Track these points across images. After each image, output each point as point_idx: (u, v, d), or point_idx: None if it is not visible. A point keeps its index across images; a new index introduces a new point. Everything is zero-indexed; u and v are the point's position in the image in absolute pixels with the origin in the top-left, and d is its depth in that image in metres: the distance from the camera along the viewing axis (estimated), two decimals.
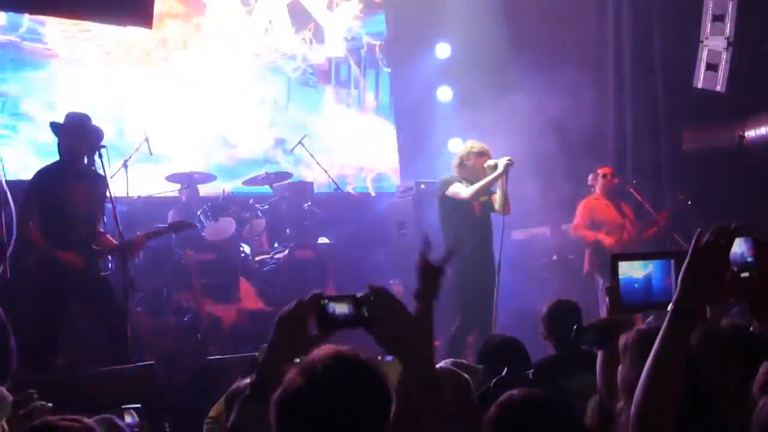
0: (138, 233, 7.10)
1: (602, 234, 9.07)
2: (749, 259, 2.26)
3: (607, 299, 3.08)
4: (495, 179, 7.53)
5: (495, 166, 7.57)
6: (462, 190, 7.62)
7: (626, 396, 2.75)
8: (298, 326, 2.26)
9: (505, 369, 3.89)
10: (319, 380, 1.99)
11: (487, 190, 7.63)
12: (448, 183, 7.77)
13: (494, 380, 3.80)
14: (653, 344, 2.72)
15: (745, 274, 2.25)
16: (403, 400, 2.34)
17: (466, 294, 7.57)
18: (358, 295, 2.29)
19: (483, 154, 7.78)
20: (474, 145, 7.90)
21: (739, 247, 2.26)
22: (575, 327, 3.21)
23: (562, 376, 4.25)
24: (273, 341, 2.27)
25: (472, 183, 7.70)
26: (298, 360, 2.94)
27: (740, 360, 2.99)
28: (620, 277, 2.83)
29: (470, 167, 7.80)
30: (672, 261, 2.82)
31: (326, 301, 2.29)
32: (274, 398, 2.04)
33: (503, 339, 4.91)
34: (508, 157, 7.54)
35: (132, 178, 8.48)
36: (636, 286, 2.83)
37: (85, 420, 2.53)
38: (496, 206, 7.72)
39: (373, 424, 2.03)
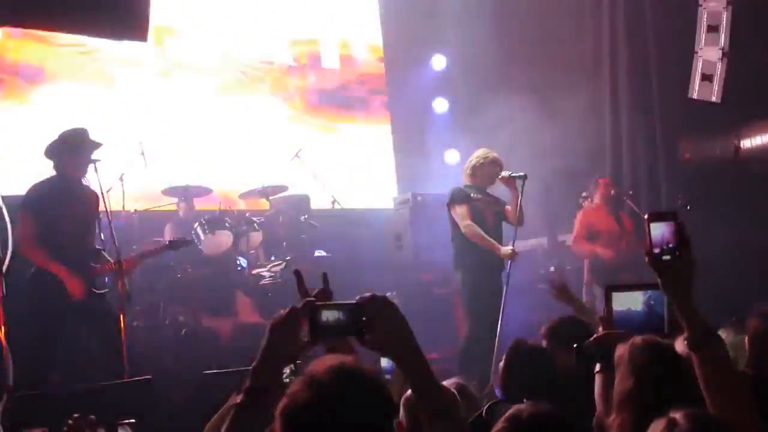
0: (134, 252, 7.10)
1: (600, 247, 9.09)
2: (670, 245, 2.35)
3: (600, 328, 3.10)
4: (496, 248, 7.54)
5: (509, 178, 7.60)
6: (464, 220, 7.64)
7: (619, 409, 2.75)
8: (290, 333, 2.26)
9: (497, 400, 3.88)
10: (325, 393, 1.99)
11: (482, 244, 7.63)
12: (456, 199, 7.76)
13: (486, 406, 3.80)
14: (646, 357, 2.75)
15: (667, 257, 2.35)
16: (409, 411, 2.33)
17: (475, 303, 7.59)
18: (351, 302, 2.28)
19: (496, 164, 7.83)
20: (487, 154, 7.92)
21: (660, 230, 2.36)
22: (575, 345, 3.22)
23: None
24: (265, 348, 2.28)
25: (482, 192, 7.81)
26: (289, 369, 2.96)
27: None
28: (617, 310, 2.88)
29: (482, 176, 7.85)
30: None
31: (319, 308, 2.29)
32: (279, 410, 2.04)
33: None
34: (522, 172, 7.57)
35: (128, 191, 8.50)
36: (633, 316, 2.87)
37: None
38: (510, 217, 7.75)
39: None
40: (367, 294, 2.28)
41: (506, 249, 7.53)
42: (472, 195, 7.77)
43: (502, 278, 7.53)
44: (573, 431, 2.56)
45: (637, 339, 2.85)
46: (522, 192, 7.56)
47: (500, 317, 7.25)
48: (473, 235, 7.60)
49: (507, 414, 2.56)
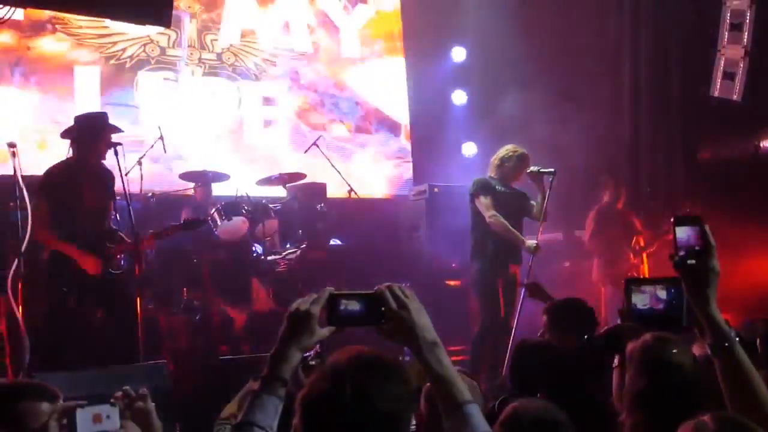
0: (150, 231, 7.11)
1: (611, 251, 9.08)
2: (696, 248, 2.34)
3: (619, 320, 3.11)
4: (521, 241, 7.57)
5: (537, 173, 7.62)
6: (489, 211, 7.64)
7: (631, 409, 2.76)
8: (308, 321, 2.27)
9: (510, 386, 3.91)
10: (344, 383, 2.02)
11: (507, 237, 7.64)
12: (480, 189, 7.77)
13: (499, 400, 3.83)
14: (656, 356, 2.75)
15: (692, 261, 2.34)
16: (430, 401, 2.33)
17: (491, 294, 7.60)
18: (369, 292, 2.29)
19: (523, 160, 7.83)
20: (516, 149, 7.92)
21: (685, 233, 2.36)
22: (586, 336, 3.24)
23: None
24: (283, 334, 2.30)
25: (506, 186, 7.82)
26: (315, 353, 2.98)
27: None
28: (637, 303, 2.88)
29: (508, 170, 7.85)
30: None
31: (337, 297, 2.30)
32: (299, 400, 2.07)
33: (539, 341, 4.83)
34: (552, 168, 7.60)
35: (146, 175, 8.54)
36: (653, 310, 2.87)
37: None
38: (534, 213, 7.80)
39: (399, 426, 2.07)
40: (386, 284, 2.29)
41: (531, 242, 7.53)
42: (496, 187, 7.77)
43: (518, 271, 7.55)
44: (570, 428, 2.58)
45: (648, 336, 2.85)
46: (551, 188, 7.56)
47: (517, 310, 7.26)
48: (498, 225, 7.60)
49: (504, 415, 2.58)
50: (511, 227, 7.62)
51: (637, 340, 2.86)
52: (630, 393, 2.78)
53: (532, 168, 7.70)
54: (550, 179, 7.58)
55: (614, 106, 11.07)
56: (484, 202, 7.70)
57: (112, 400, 2.58)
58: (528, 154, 7.90)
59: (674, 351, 2.79)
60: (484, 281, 7.70)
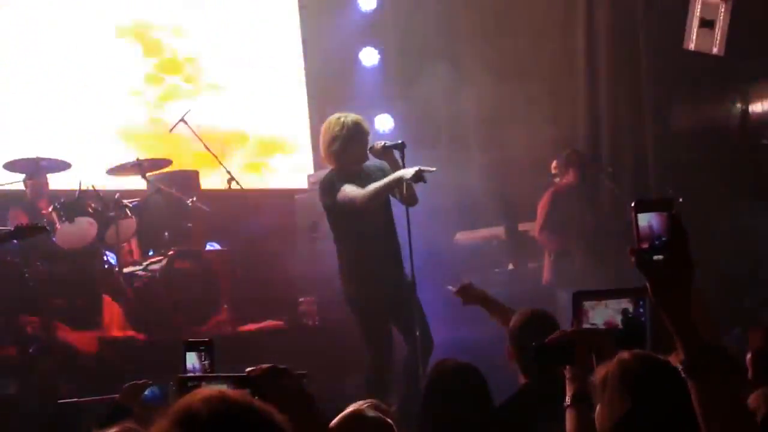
0: None
1: (571, 240, 9.09)
2: (664, 239, 2.29)
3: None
4: (396, 182, 7.08)
5: (383, 149, 7.23)
6: (356, 195, 7.15)
7: None
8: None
9: None
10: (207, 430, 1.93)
11: (388, 192, 7.22)
12: (333, 185, 7.30)
13: None
14: (639, 378, 2.79)
15: (659, 257, 2.28)
16: None
17: (376, 323, 7.40)
18: (239, 375, 2.28)
19: (360, 130, 7.38)
20: (343, 120, 7.36)
21: (649, 222, 2.30)
22: (533, 345, 3.22)
23: (541, 416, 4.18)
24: None
25: (358, 176, 7.34)
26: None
27: None
28: (589, 321, 3.03)
29: (349, 154, 7.33)
30: (646, 299, 3.00)
31: (193, 380, 2.22)
32: None
33: (456, 365, 4.75)
34: (399, 140, 7.25)
35: None
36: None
37: None
38: (399, 198, 7.33)
39: None
40: (265, 365, 2.29)
41: (408, 171, 7.00)
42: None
43: (408, 283, 7.29)
44: None
45: (625, 354, 2.85)
46: (403, 164, 7.17)
47: (417, 334, 7.06)
48: (370, 196, 7.10)
49: None
50: (377, 184, 7.08)
51: (610, 361, 2.88)
52: (611, 420, 2.80)
53: (376, 145, 7.31)
54: (401, 154, 7.09)
55: (565, 68, 11.10)
56: (348, 193, 7.16)
57: None
58: (362, 119, 7.49)
59: (660, 366, 2.80)
60: (361, 309, 7.41)
